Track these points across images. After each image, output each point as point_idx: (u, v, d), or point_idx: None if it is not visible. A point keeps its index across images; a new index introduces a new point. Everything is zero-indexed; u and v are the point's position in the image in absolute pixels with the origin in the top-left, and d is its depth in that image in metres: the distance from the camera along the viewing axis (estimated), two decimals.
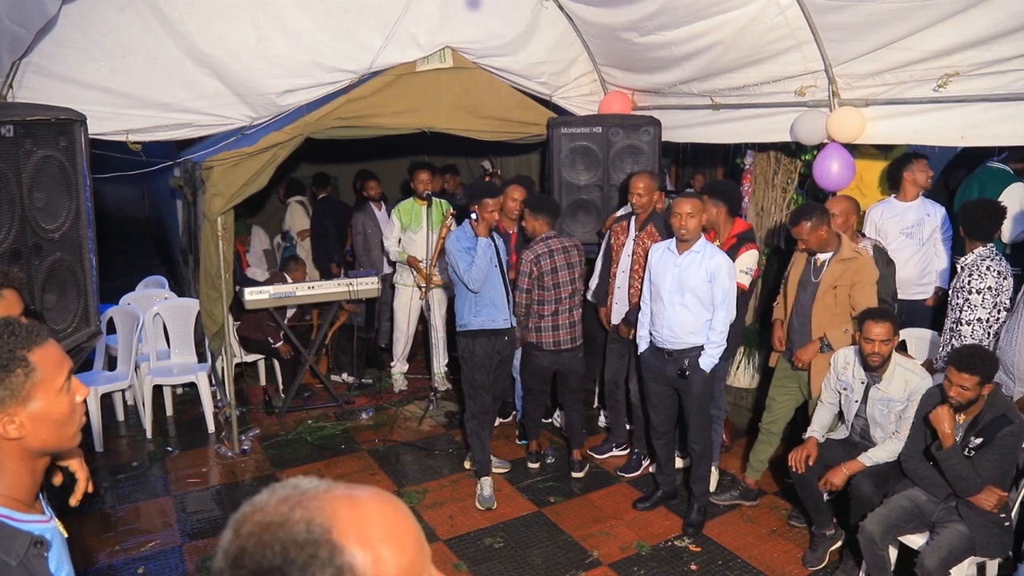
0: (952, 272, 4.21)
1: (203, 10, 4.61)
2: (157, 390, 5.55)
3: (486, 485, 4.43)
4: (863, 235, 4.33)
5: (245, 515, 0.73)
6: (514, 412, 5.47)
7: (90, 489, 1.75)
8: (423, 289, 5.79)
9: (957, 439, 3.15)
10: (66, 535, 1.40)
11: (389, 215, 6.13)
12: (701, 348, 3.95)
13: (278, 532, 0.70)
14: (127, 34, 4.49)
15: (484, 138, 5.67)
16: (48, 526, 1.34)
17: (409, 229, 5.76)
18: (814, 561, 3.82)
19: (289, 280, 5.76)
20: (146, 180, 10.48)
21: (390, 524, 0.75)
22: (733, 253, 4.24)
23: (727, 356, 4.57)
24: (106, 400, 5.38)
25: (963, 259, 3.79)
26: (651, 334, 4.12)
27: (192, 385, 5.57)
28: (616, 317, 4.72)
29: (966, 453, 3.11)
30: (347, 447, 5.25)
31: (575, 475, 4.76)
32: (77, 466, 1.73)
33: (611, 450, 5.04)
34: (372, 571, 0.71)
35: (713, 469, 4.59)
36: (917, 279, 4.53)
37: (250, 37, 4.78)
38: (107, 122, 4.58)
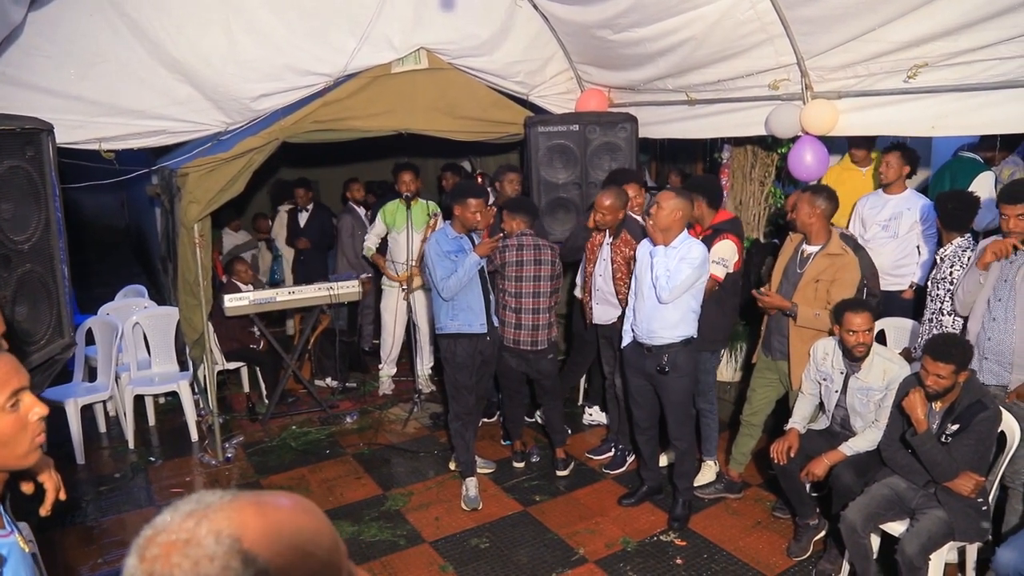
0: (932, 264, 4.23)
1: (173, 15, 4.57)
2: (139, 400, 5.51)
3: (471, 486, 4.43)
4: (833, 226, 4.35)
5: (148, 538, 0.71)
6: (498, 412, 5.47)
7: (62, 497, 1.73)
8: (405, 290, 5.79)
9: (934, 426, 3.18)
10: (27, 550, 1.38)
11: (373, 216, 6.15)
12: (680, 344, 3.95)
13: (186, 550, 0.68)
14: (96, 41, 4.44)
15: (461, 138, 5.66)
16: (6, 541, 1.32)
17: (393, 229, 5.77)
18: (798, 551, 3.84)
19: (240, 285, 5.74)
20: (124, 188, 10.40)
21: (301, 527, 0.74)
22: (708, 243, 4.24)
23: (716, 350, 4.58)
24: (87, 412, 5.32)
25: (942, 250, 3.82)
26: (632, 330, 4.13)
27: (174, 394, 5.54)
28: (598, 317, 4.72)
29: (943, 440, 3.14)
30: (332, 452, 5.23)
31: (560, 474, 4.76)
32: (45, 476, 1.70)
33: (609, 451, 4.99)
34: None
35: (712, 463, 4.60)
36: (889, 270, 4.54)
37: (222, 42, 4.75)
38: (78, 131, 4.54)
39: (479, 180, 6.50)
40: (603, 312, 4.68)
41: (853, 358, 3.60)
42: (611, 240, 4.53)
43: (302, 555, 0.72)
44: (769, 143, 5.09)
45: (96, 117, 4.60)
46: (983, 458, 3.17)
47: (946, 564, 3.24)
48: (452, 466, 4.82)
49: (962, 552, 3.36)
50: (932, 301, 3.86)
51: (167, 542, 0.69)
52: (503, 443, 5.22)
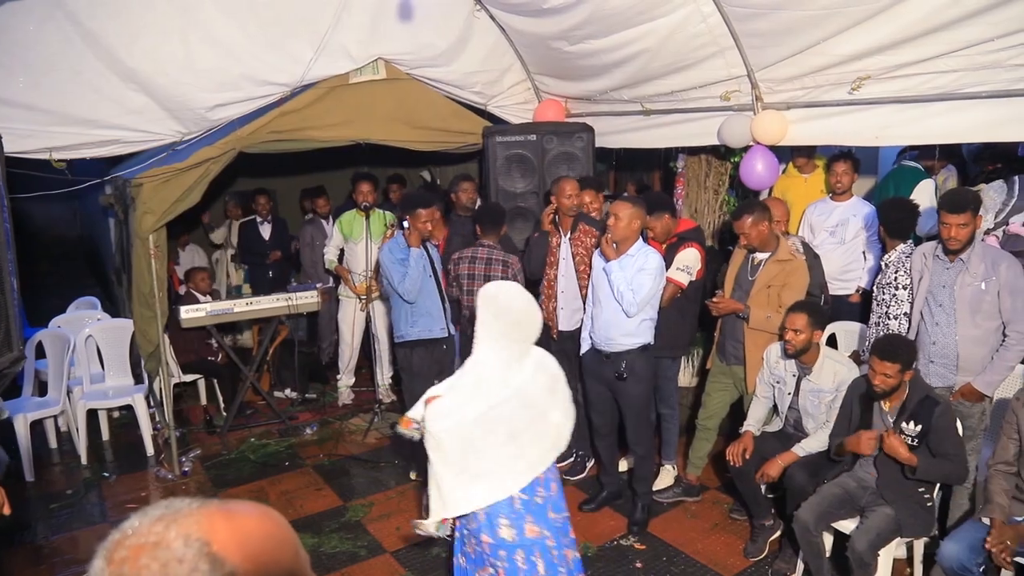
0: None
1: (127, 24, 4.52)
2: (92, 415, 5.40)
3: None
4: (788, 234, 4.47)
5: (116, 541, 0.71)
6: None
7: (6, 512, 1.70)
8: (363, 301, 5.77)
9: (890, 425, 3.27)
10: None
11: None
12: (638, 351, 4.01)
13: (155, 552, 0.69)
14: (48, 49, 4.38)
15: (420, 148, 5.68)
16: None
17: (350, 240, 5.74)
18: (755, 552, 3.92)
19: (198, 296, 5.69)
20: (77, 198, 10.18)
21: (267, 533, 0.76)
22: (673, 252, 4.32)
23: (677, 356, 4.65)
24: (37, 427, 5.20)
25: (886, 257, 3.94)
26: (591, 336, 4.18)
27: (129, 408, 5.43)
28: (563, 322, 4.74)
29: (911, 443, 3.21)
30: (291, 464, 5.18)
31: None
32: None
33: (569, 457, 4.98)
34: None
35: (670, 467, 4.67)
36: (837, 275, 4.68)
37: (178, 51, 4.71)
38: (29, 140, 4.46)
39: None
40: (569, 317, 4.67)
41: (785, 354, 3.72)
42: (569, 236, 4.58)
43: (269, 561, 0.74)
44: (722, 152, 5.20)
45: (47, 126, 4.53)
46: (962, 444, 3.28)
47: (895, 559, 3.35)
48: (413, 476, 4.81)
49: (910, 547, 3.47)
50: (879, 305, 3.97)
51: (135, 545, 0.70)
52: None
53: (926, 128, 3.85)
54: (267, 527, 0.77)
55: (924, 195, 4.58)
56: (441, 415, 2.64)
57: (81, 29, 4.42)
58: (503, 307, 2.66)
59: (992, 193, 4.17)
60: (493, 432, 2.62)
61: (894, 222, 3.88)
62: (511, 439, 2.65)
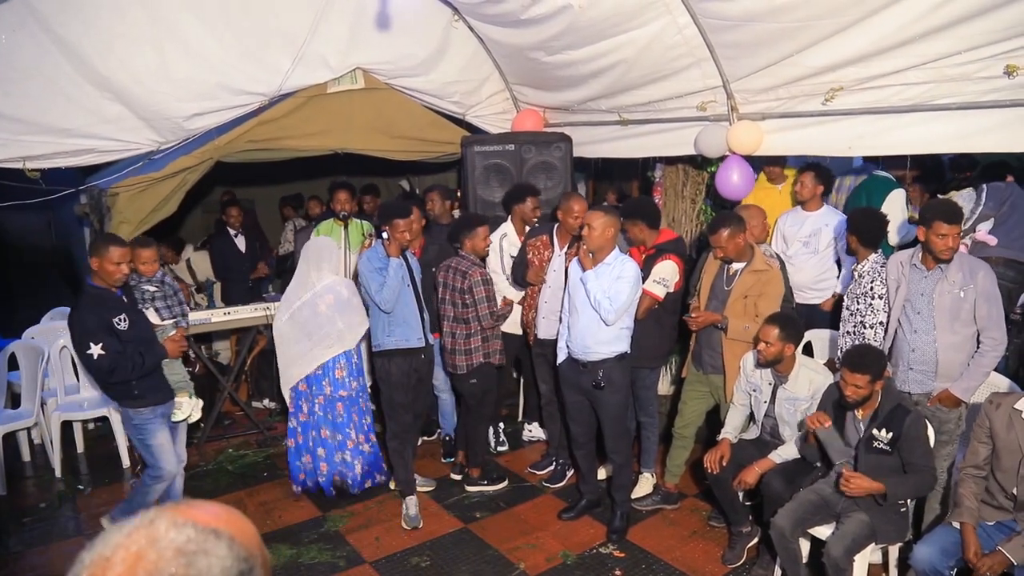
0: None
1: (102, 33, 4.48)
2: (66, 427, 5.31)
3: (411, 504, 4.41)
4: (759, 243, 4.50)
5: (103, 563, 0.71)
6: (438, 430, 5.47)
7: None
8: None
9: (861, 432, 3.32)
10: None
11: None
12: (615, 360, 4.02)
13: (156, 546, 0.70)
14: (20, 57, 4.33)
15: (398, 158, 5.69)
16: None
17: None
18: (733, 559, 3.94)
19: None
20: (51, 208, 10.05)
21: (231, 513, 0.80)
22: (651, 263, 4.33)
23: (655, 366, 4.67)
24: (10, 440, 5.11)
25: (860, 267, 3.94)
26: (567, 346, 4.19)
27: (104, 420, 5.35)
28: (542, 332, 4.76)
29: (876, 446, 3.25)
30: (270, 474, 5.14)
31: (454, 476, 4.89)
32: None
33: (551, 466, 5.02)
34: (256, 548, 0.76)
35: (649, 475, 4.68)
36: (811, 284, 4.74)
37: (153, 60, 4.68)
38: (2, 149, 4.42)
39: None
40: (552, 324, 4.68)
41: (757, 363, 3.77)
42: (565, 251, 4.59)
43: (247, 532, 0.77)
44: (699, 162, 5.25)
45: (20, 135, 4.48)
46: (931, 453, 3.34)
47: (870, 564, 3.38)
48: (391, 485, 4.80)
49: (885, 552, 3.51)
50: (852, 315, 3.97)
51: (130, 554, 0.70)
52: (444, 460, 5.22)
53: (898, 139, 3.91)
54: (228, 510, 0.80)
55: (896, 205, 4.66)
56: (276, 318, 4.54)
57: (55, 37, 4.37)
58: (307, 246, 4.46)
59: (961, 201, 4.25)
60: (298, 329, 4.40)
61: (868, 231, 3.90)
62: (307, 336, 4.37)
